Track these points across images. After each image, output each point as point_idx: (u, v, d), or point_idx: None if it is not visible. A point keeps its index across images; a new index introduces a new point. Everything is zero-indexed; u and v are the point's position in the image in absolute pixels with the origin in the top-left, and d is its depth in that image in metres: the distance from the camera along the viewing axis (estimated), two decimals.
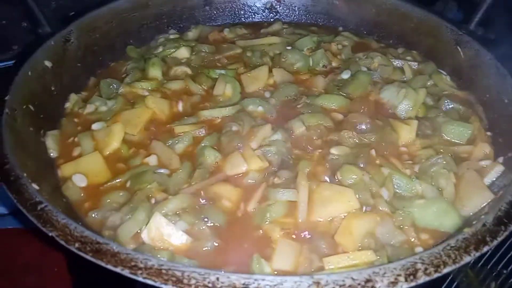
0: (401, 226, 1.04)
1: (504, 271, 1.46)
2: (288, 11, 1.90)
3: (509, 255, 1.44)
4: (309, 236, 1.02)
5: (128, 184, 1.13)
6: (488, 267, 1.47)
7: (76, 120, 1.34)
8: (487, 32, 1.57)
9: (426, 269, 0.79)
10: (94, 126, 1.27)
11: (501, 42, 1.49)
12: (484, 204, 1.06)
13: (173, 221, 1.01)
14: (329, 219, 1.04)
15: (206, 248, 1.00)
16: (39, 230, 0.86)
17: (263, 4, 1.89)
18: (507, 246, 1.42)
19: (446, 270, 0.79)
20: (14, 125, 1.14)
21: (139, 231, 1.02)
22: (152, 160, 1.19)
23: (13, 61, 1.30)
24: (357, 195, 1.05)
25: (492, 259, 1.45)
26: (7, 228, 1.60)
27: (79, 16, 1.53)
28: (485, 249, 0.83)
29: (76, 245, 0.82)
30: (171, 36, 1.72)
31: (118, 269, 0.78)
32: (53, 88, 1.37)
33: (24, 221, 1.55)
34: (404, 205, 1.07)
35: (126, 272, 0.77)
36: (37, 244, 1.53)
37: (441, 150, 1.21)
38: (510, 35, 1.60)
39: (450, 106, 1.37)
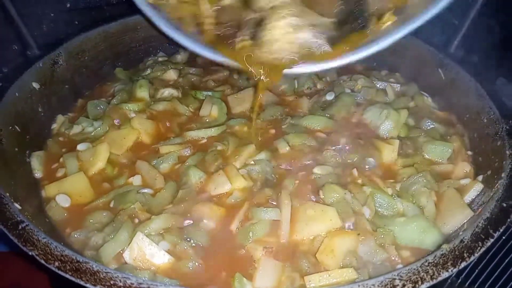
0: (383, 244, 1.05)
1: None
2: None
3: (495, 274, 1.44)
4: (291, 255, 1.02)
5: (111, 204, 1.14)
6: (475, 286, 1.47)
7: (62, 141, 1.35)
8: (468, 54, 1.61)
9: (404, 285, 0.80)
10: (79, 147, 1.28)
11: (480, 64, 1.54)
12: (465, 222, 1.07)
13: (155, 241, 1.02)
14: (311, 238, 1.05)
15: (189, 267, 1.00)
16: (23, 251, 0.86)
17: None
18: (494, 265, 1.43)
19: (423, 286, 0.80)
20: None
21: (121, 251, 1.02)
22: (136, 180, 1.20)
23: (0, 84, 1.31)
24: (339, 214, 1.06)
25: (479, 279, 1.45)
26: None
27: (68, 39, 1.56)
28: (463, 265, 0.85)
29: (56, 264, 0.82)
30: (160, 59, 1.75)
31: None
32: (40, 110, 1.38)
33: (9, 242, 1.56)
34: (386, 223, 1.08)
35: None
36: (23, 265, 1.53)
37: (423, 169, 1.23)
38: (489, 57, 1.66)
39: (431, 126, 1.40)
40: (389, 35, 1.16)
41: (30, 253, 0.84)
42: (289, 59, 1.15)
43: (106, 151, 1.25)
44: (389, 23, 1.19)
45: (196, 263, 1.00)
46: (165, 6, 1.28)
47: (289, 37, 1.14)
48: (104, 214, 1.11)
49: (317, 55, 1.16)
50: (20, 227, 0.89)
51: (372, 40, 1.17)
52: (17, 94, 1.29)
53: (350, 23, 1.20)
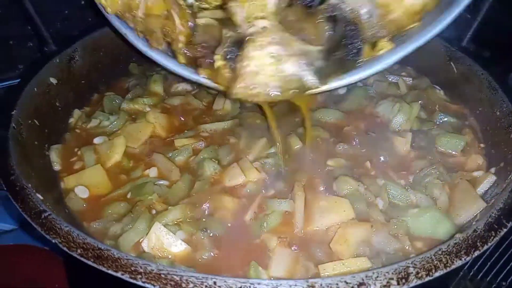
0: (396, 235, 1.06)
1: (503, 283, 1.47)
2: None
3: (508, 267, 1.44)
4: (306, 244, 1.04)
5: (129, 195, 1.17)
6: (488, 279, 1.47)
7: (79, 134, 1.38)
8: (480, 48, 1.61)
9: (417, 273, 0.81)
10: (96, 140, 1.32)
11: (493, 58, 1.54)
12: (477, 213, 1.08)
13: (172, 231, 1.04)
14: (325, 228, 1.07)
15: (205, 257, 1.02)
16: (45, 239, 0.89)
17: None
18: (506, 258, 1.43)
19: (437, 274, 0.81)
20: (19, 139, 1.17)
21: (139, 240, 1.05)
22: (152, 172, 1.23)
23: (18, 80, 1.34)
24: (352, 205, 1.08)
25: (491, 271, 1.46)
26: (9, 244, 1.62)
27: (84, 35, 1.59)
28: (476, 253, 0.85)
29: (78, 251, 0.85)
30: None
31: (118, 274, 0.80)
32: (57, 104, 1.41)
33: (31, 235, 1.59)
34: (399, 214, 1.09)
35: (126, 277, 0.79)
36: (38, 259, 1.56)
37: (435, 161, 1.24)
38: (502, 51, 1.65)
39: (444, 119, 1.40)
40: (383, 59, 1.08)
41: (53, 241, 0.87)
42: (271, 95, 1.03)
43: (123, 144, 1.28)
44: (384, 50, 1.10)
45: (212, 253, 1.03)
46: (130, 19, 1.18)
47: (271, 69, 1.01)
48: (122, 205, 1.14)
49: (305, 87, 1.05)
50: (43, 216, 0.92)
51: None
52: (35, 89, 1.33)
53: (341, 51, 1.07)
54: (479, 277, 1.48)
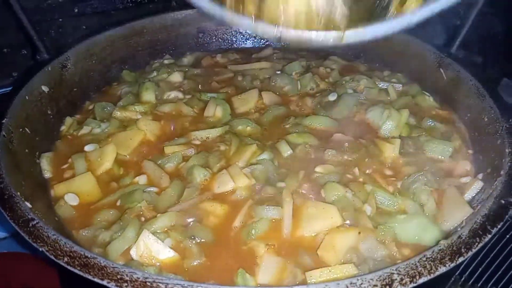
0: (383, 241, 1.06)
1: None
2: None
3: (499, 272, 1.45)
4: (294, 251, 1.04)
5: (118, 203, 1.17)
6: (479, 284, 1.48)
7: (70, 142, 1.39)
8: (469, 55, 1.63)
9: (402, 279, 0.81)
10: (87, 148, 1.32)
11: (482, 64, 1.55)
12: (464, 219, 1.09)
13: (161, 238, 1.04)
14: (313, 235, 1.07)
15: (193, 264, 1.02)
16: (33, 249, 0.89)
17: None
18: (497, 264, 1.44)
19: (421, 281, 0.82)
20: (10, 147, 1.18)
21: (128, 248, 1.04)
22: (142, 179, 1.23)
23: (11, 87, 1.35)
24: (340, 212, 1.09)
25: (482, 277, 1.46)
26: (5, 252, 1.62)
27: (76, 44, 1.60)
28: (460, 259, 0.86)
29: (65, 259, 0.85)
30: (166, 61, 1.79)
31: (104, 282, 0.80)
32: (49, 112, 1.42)
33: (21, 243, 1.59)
34: (386, 220, 1.10)
35: (112, 285, 0.80)
36: (32, 267, 1.56)
37: (424, 168, 1.24)
38: (491, 57, 1.67)
39: (433, 125, 1.42)
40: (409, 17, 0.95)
41: (40, 249, 0.87)
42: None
43: (113, 152, 1.29)
44: (412, 7, 0.97)
45: (200, 260, 1.03)
46: None
47: None
48: (111, 212, 1.14)
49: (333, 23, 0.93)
50: (30, 224, 0.92)
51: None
52: (27, 98, 1.33)
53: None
54: (470, 282, 1.48)
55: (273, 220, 1.10)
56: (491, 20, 1.71)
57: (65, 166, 1.30)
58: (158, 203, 1.16)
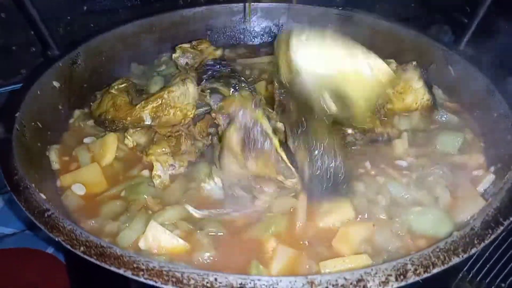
0: (398, 233, 1.07)
1: (503, 285, 1.47)
2: None
3: (507, 269, 1.45)
4: (307, 243, 1.05)
5: (123, 194, 1.18)
6: (487, 281, 1.48)
7: (78, 134, 1.40)
8: (477, 52, 1.63)
9: (416, 269, 0.82)
10: (86, 140, 1.33)
11: (490, 61, 1.55)
12: (477, 212, 1.09)
13: (170, 229, 1.05)
14: (327, 227, 1.08)
15: (203, 256, 1.02)
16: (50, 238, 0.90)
17: (262, 28, 1.97)
18: (506, 260, 1.44)
19: (435, 271, 0.83)
20: (22, 140, 1.19)
21: (137, 239, 1.05)
22: (146, 171, 1.24)
23: (20, 84, 1.36)
24: (353, 205, 1.10)
25: (490, 273, 1.46)
26: (11, 248, 1.62)
27: (86, 41, 1.61)
28: (473, 250, 0.87)
29: (81, 248, 0.86)
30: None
31: (121, 271, 0.81)
32: (60, 107, 1.43)
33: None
34: (401, 212, 1.10)
35: (128, 274, 0.81)
36: (41, 263, 1.57)
37: (437, 160, 1.25)
38: (499, 54, 1.67)
39: (444, 118, 1.43)
40: None
41: (56, 239, 0.88)
42: None
43: (114, 142, 1.28)
44: None
45: (210, 253, 1.03)
46: None
47: None
48: (118, 203, 1.15)
49: None
50: (46, 215, 0.93)
51: None
52: (39, 92, 1.34)
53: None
54: (478, 278, 1.48)
55: (288, 212, 1.10)
56: (499, 17, 1.72)
57: (69, 158, 1.31)
58: (164, 195, 1.16)
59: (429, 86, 1.42)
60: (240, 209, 1.11)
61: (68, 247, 0.87)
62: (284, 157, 1.09)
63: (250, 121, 1.10)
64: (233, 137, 1.09)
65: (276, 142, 1.09)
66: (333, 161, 1.08)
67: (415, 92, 1.39)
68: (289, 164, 1.09)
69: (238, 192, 1.13)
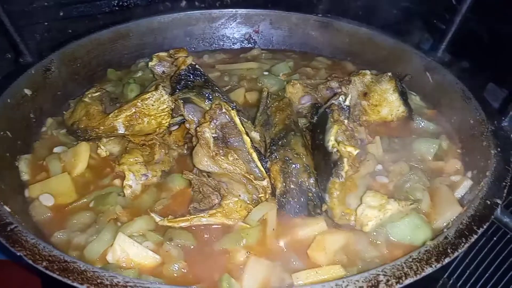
0: (375, 242, 1.05)
1: None
2: (265, 41, 1.96)
3: (486, 275, 1.45)
4: (281, 252, 1.03)
5: (91, 205, 1.15)
6: (467, 287, 1.47)
7: (49, 143, 1.36)
8: (455, 58, 1.64)
9: (388, 280, 0.81)
10: (56, 149, 1.30)
11: (467, 67, 1.56)
12: (455, 217, 1.08)
13: (138, 241, 1.02)
14: (301, 238, 1.05)
15: (173, 268, 0.99)
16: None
17: (242, 35, 1.96)
18: (485, 266, 1.44)
19: (408, 281, 0.81)
20: None
21: (105, 251, 1.02)
22: (117, 181, 1.21)
23: None
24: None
25: (470, 279, 1.46)
26: None
27: (61, 47, 1.58)
28: (446, 260, 0.86)
29: (44, 263, 0.83)
30: None
31: (84, 287, 0.78)
32: (32, 115, 1.40)
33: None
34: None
35: None
36: (21, 274, 1.52)
37: (414, 166, 1.24)
38: (476, 61, 1.68)
39: (421, 124, 1.43)
40: None
41: (18, 254, 0.85)
42: None
43: (86, 152, 1.26)
44: None
45: (181, 264, 1.00)
46: None
47: None
48: (87, 214, 1.12)
49: None
50: (8, 228, 0.90)
51: None
52: (9, 101, 1.31)
53: None
54: (458, 285, 1.48)
55: (259, 223, 1.08)
56: (476, 26, 1.73)
57: (40, 168, 1.27)
58: (133, 206, 1.14)
59: (404, 97, 1.41)
60: (206, 210, 1.09)
61: (30, 262, 0.84)
62: (255, 157, 1.09)
63: (224, 116, 1.10)
64: (206, 132, 1.08)
65: (247, 139, 1.09)
66: (308, 178, 1.08)
67: (390, 104, 1.39)
68: (260, 166, 1.09)
69: (206, 191, 1.12)
